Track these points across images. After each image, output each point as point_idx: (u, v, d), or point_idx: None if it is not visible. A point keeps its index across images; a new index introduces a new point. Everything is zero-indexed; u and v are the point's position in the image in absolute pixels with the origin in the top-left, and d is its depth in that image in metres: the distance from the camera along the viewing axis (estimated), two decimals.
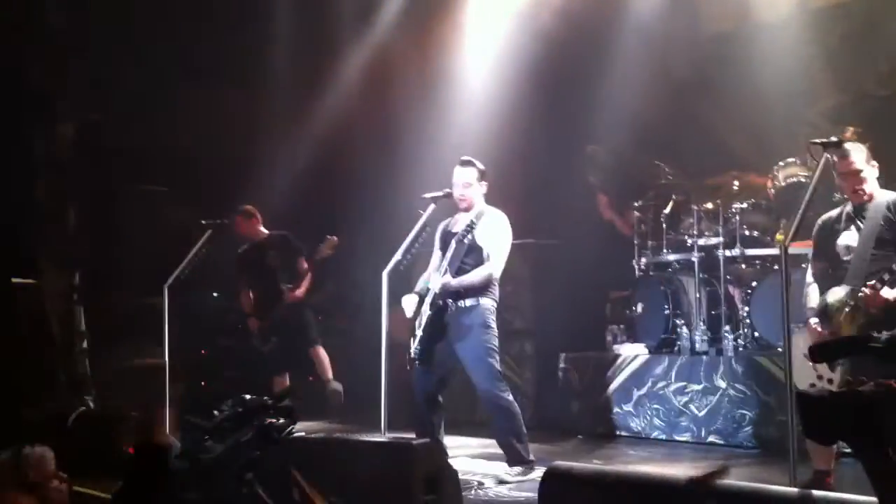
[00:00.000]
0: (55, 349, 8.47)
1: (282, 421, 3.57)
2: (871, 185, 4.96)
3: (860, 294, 4.70)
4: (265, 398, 3.66)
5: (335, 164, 9.98)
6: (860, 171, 4.91)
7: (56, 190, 8.66)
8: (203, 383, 8.68)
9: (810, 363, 4.67)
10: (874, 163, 4.99)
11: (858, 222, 4.96)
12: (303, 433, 5.43)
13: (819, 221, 5.19)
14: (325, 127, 9.74)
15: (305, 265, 7.99)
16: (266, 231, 8.23)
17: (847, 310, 4.76)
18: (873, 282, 4.67)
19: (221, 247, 7.56)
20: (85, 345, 8.50)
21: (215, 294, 9.67)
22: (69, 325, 8.53)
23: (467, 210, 5.94)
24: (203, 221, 7.35)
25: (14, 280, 8.45)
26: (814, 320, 4.92)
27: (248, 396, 3.63)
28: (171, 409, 7.03)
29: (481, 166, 5.98)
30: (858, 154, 4.93)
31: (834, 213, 5.16)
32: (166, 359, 7.21)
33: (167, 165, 9.32)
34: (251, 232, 8.20)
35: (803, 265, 5.85)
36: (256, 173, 9.06)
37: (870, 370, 4.54)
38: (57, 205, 8.72)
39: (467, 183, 5.90)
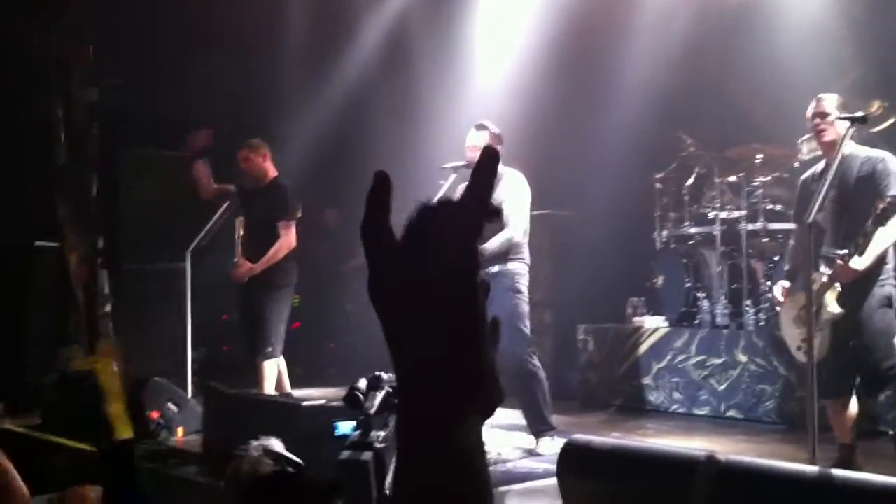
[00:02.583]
0: (78, 312, 8.55)
1: None
2: (844, 138, 4.85)
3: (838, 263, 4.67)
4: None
5: (353, 134, 9.98)
6: (827, 113, 4.84)
7: (77, 154, 8.71)
8: (224, 348, 8.74)
9: (797, 329, 4.77)
10: (846, 113, 4.87)
11: (831, 180, 4.87)
12: (323, 401, 5.48)
13: (800, 181, 5.17)
14: (343, 97, 9.72)
15: (282, 231, 6.64)
16: (275, 174, 6.93)
17: (824, 279, 4.74)
18: (844, 252, 4.64)
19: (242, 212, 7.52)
20: (108, 308, 8.58)
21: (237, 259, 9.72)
22: (92, 288, 8.60)
23: None
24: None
25: (37, 243, 8.53)
26: (785, 283, 5.11)
27: (383, 375, 3.43)
28: (193, 374, 7.11)
29: (496, 130, 5.95)
30: (831, 100, 4.88)
31: (809, 172, 5.11)
32: (188, 324, 7.28)
33: (188, 133, 9.33)
34: (256, 169, 6.86)
35: None
36: (275, 142, 9.05)
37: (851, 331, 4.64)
38: (79, 169, 8.77)
39: (477, 145, 5.87)
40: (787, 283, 5.14)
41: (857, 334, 4.77)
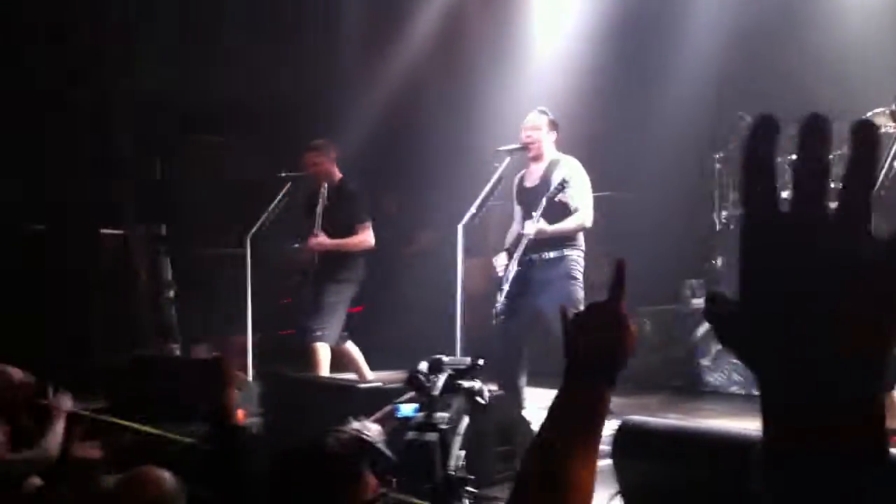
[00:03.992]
0: (142, 298, 8.75)
1: (480, 383, 3.39)
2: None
3: None
4: (464, 359, 3.48)
5: (408, 117, 9.99)
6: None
7: (140, 141, 8.88)
8: (284, 333, 8.85)
9: None
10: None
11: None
12: (379, 383, 5.54)
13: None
14: (398, 80, 9.73)
15: (360, 231, 6.74)
16: (340, 175, 6.96)
17: None
18: None
19: (301, 198, 7.58)
20: (172, 294, 8.75)
21: (296, 245, 9.82)
22: (156, 274, 8.78)
23: (537, 159, 5.91)
24: (282, 174, 7.40)
25: (102, 230, 8.73)
26: None
27: (443, 357, 3.41)
28: (253, 358, 7.22)
29: (553, 117, 5.95)
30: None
31: None
32: (249, 308, 7.37)
33: (245, 119, 9.44)
34: (325, 173, 6.86)
35: None
36: (331, 126, 9.10)
37: None
38: (142, 157, 8.95)
39: (536, 126, 5.89)
40: None
41: None
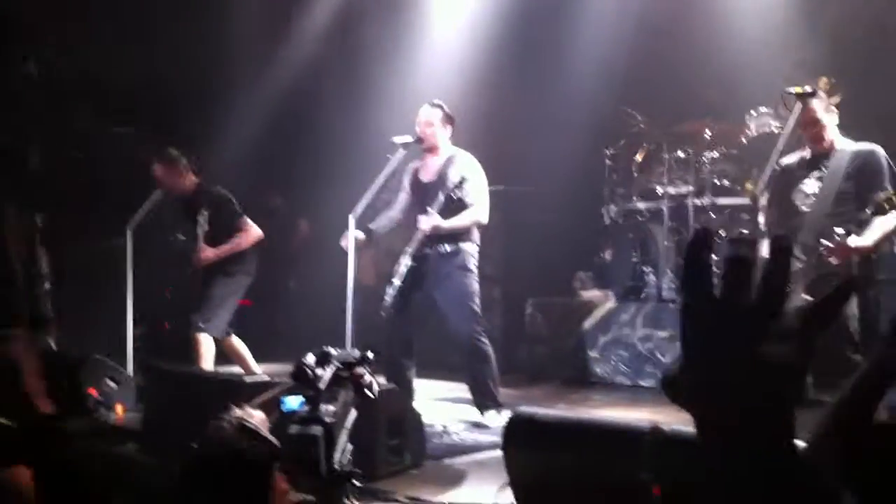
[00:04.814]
0: (17, 290, 8.35)
1: (369, 375, 3.35)
2: (832, 132, 4.95)
3: (821, 249, 4.69)
4: (353, 351, 3.43)
5: (302, 107, 9.83)
6: (819, 119, 4.90)
7: (16, 129, 8.48)
8: (166, 325, 8.59)
9: None
10: (833, 109, 4.98)
11: (819, 172, 4.94)
12: (266, 377, 5.40)
13: (777, 167, 5.17)
14: (292, 70, 9.57)
15: (243, 228, 6.55)
16: (196, 182, 6.68)
17: (800, 266, 4.75)
18: (842, 232, 4.66)
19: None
20: (47, 286, 8.39)
21: (182, 237, 9.53)
22: (31, 266, 8.41)
23: (432, 152, 5.88)
24: None
25: None
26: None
27: (331, 350, 3.36)
28: (134, 351, 6.97)
29: (448, 111, 5.92)
30: (818, 102, 4.92)
31: (792, 159, 5.12)
32: (129, 301, 7.13)
33: (134, 105, 9.12)
34: (175, 184, 6.64)
35: None
36: (220, 117, 8.85)
37: None
38: (17, 144, 8.55)
39: (429, 122, 5.86)
40: None
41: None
